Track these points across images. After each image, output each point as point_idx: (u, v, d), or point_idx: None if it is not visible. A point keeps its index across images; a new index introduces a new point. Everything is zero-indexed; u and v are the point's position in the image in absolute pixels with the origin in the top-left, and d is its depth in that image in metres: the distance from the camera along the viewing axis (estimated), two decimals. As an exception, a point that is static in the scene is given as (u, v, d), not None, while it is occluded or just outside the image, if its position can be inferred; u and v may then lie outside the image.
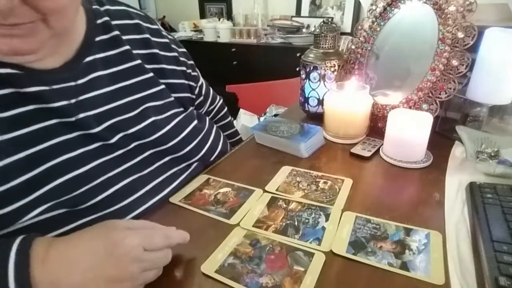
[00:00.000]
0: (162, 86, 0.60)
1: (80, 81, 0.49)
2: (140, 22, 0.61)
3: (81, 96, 0.49)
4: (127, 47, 0.56)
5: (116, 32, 0.55)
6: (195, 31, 3.11)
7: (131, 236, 0.38)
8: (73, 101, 0.47)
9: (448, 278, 0.40)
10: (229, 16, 3.07)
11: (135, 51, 0.58)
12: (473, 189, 0.54)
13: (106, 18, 0.55)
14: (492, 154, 0.63)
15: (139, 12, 0.63)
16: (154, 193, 0.55)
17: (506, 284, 0.36)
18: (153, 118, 0.57)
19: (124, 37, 0.56)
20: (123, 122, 0.53)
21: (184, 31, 3.10)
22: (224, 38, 2.83)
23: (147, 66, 0.59)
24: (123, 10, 0.60)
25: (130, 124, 0.53)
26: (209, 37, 2.90)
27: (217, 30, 2.83)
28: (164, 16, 3.31)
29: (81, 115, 0.48)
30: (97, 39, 0.53)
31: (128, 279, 0.37)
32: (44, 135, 0.44)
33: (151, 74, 0.59)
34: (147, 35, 0.61)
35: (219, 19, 2.98)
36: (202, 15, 3.24)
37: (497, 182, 0.56)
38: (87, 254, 0.37)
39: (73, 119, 0.47)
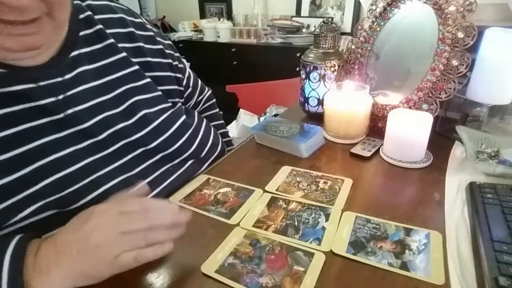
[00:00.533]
0: (148, 80, 0.60)
1: (67, 76, 0.49)
2: (124, 16, 0.61)
3: (69, 92, 0.48)
4: (112, 40, 0.56)
5: (100, 26, 0.55)
6: (195, 31, 3.11)
7: (102, 204, 0.41)
8: (60, 97, 0.47)
9: (448, 278, 0.40)
10: (229, 16, 3.07)
11: (120, 45, 0.57)
12: (473, 189, 0.54)
13: (89, 13, 0.54)
14: (492, 154, 0.63)
15: (122, 6, 0.63)
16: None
17: (506, 284, 0.36)
18: (144, 111, 0.57)
19: (108, 31, 0.56)
20: (112, 117, 0.53)
21: (184, 31, 3.10)
22: (224, 38, 2.83)
23: (133, 60, 0.59)
24: (106, 4, 0.59)
25: (119, 119, 0.54)
26: (209, 37, 2.90)
27: (217, 30, 2.83)
28: (164, 16, 3.31)
29: (70, 111, 0.48)
30: (81, 33, 0.53)
31: (102, 244, 0.37)
32: (32, 135, 0.44)
33: (136, 67, 0.59)
34: (131, 29, 0.60)
35: (219, 19, 2.98)
36: (202, 15, 3.25)
37: (497, 182, 0.56)
38: (69, 233, 0.39)
39: (61, 115, 0.47)
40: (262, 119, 1.63)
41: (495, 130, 0.72)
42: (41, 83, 0.46)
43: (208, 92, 0.85)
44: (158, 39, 0.66)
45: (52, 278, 0.37)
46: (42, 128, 0.45)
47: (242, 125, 1.55)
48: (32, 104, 0.44)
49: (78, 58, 0.51)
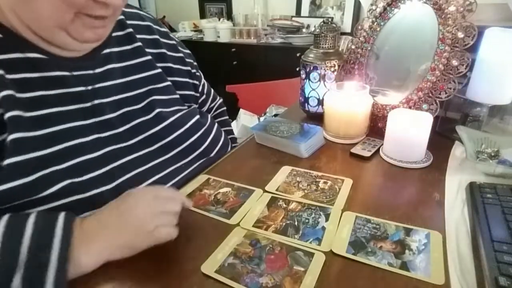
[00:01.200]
0: (169, 83, 0.66)
1: (97, 70, 0.55)
2: (151, 24, 0.67)
3: (97, 84, 0.54)
4: (139, 43, 0.62)
5: (130, 30, 0.62)
6: (195, 31, 3.11)
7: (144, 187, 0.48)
8: (89, 87, 0.53)
9: (448, 278, 0.40)
10: (229, 16, 3.06)
11: (146, 50, 0.63)
12: (473, 189, 0.54)
13: (122, 17, 0.61)
14: (492, 154, 0.63)
15: (149, 16, 0.70)
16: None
17: (506, 284, 0.36)
18: (158, 110, 0.61)
19: (136, 36, 0.62)
20: (133, 112, 0.58)
21: (184, 31, 3.10)
22: (224, 38, 2.83)
23: (157, 64, 0.64)
24: (136, 12, 0.66)
25: (139, 114, 0.59)
26: (209, 37, 2.89)
27: (217, 30, 2.83)
28: (164, 16, 3.31)
29: (96, 101, 0.53)
30: (114, 34, 0.59)
31: (141, 219, 0.43)
32: (62, 118, 0.49)
33: (159, 70, 0.64)
34: (156, 36, 0.67)
35: (219, 19, 2.98)
36: (202, 15, 3.24)
37: (497, 182, 0.56)
38: (109, 211, 0.44)
39: (88, 104, 0.52)
40: (262, 119, 1.63)
41: (495, 130, 0.72)
42: (75, 73, 0.52)
43: (219, 100, 0.91)
44: (180, 48, 0.73)
45: (93, 248, 0.41)
46: (71, 114, 0.50)
47: (242, 125, 1.55)
48: (65, 90, 0.50)
49: (109, 56, 0.57)
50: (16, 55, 0.47)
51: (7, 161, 0.42)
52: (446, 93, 0.67)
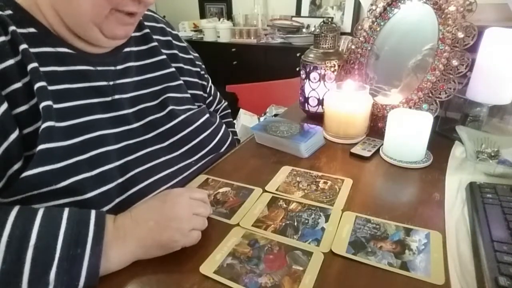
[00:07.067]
0: (181, 82, 0.68)
1: (118, 67, 0.58)
2: (164, 26, 0.71)
3: (118, 80, 0.57)
4: (155, 43, 0.66)
5: (147, 30, 0.65)
6: (195, 31, 3.11)
7: (177, 188, 0.49)
8: (111, 83, 0.56)
9: (448, 278, 0.40)
10: (229, 16, 3.07)
11: (161, 50, 0.67)
12: (473, 189, 0.54)
13: (140, 18, 0.62)
14: (492, 154, 0.63)
15: (162, 19, 0.73)
16: (167, 181, 0.59)
17: (506, 284, 0.36)
18: (171, 107, 0.63)
19: (152, 36, 0.66)
20: (148, 109, 0.60)
21: (184, 31, 3.10)
22: (224, 38, 2.83)
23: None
24: (151, 15, 0.70)
25: (153, 111, 0.61)
26: (209, 37, 2.90)
27: (217, 30, 2.83)
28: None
29: (116, 96, 0.56)
30: (132, 34, 0.61)
31: (181, 219, 0.44)
32: (84, 110, 0.51)
33: (173, 69, 0.67)
34: (169, 38, 0.70)
35: (219, 19, 2.98)
36: (202, 15, 3.24)
37: (497, 182, 0.56)
38: (146, 209, 0.45)
39: (109, 98, 0.55)
40: (262, 119, 1.63)
41: (495, 130, 0.72)
42: (98, 68, 0.54)
43: (225, 103, 0.93)
44: (190, 51, 0.76)
45: (127, 245, 0.41)
46: (93, 107, 0.52)
47: (242, 125, 1.55)
48: (88, 84, 0.52)
49: (129, 54, 0.61)
50: (48, 49, 0.49)
51: (40, 147, 0.44)
52: (446, 93, 0.67)
